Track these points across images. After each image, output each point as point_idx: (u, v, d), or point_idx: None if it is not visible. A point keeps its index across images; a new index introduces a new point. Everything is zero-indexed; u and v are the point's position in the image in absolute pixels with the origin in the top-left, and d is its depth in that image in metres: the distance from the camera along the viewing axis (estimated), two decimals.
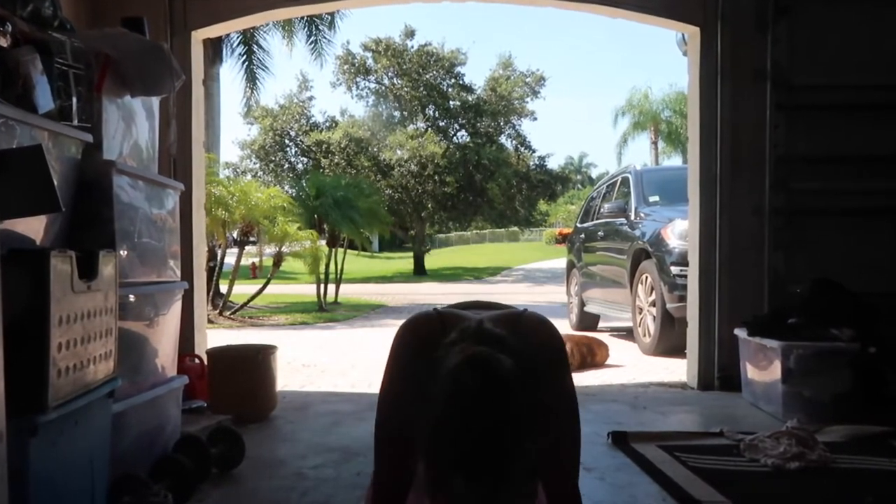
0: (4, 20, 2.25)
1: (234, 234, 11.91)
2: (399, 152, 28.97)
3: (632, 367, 5.91)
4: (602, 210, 7.98)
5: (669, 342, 6.20)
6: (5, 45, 2.23)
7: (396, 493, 1.82)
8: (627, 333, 7.73)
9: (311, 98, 33.18)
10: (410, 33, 30.23)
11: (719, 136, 4.70)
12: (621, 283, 7.21)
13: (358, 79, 30.79)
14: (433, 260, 32.30)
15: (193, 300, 4.58)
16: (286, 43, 16.94)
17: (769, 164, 4.65)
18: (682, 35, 5.40)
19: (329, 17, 16.76)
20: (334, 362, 6.29)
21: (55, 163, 2.28)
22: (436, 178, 28.58)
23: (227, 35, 14.82)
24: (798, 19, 4.66)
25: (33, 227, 2.21)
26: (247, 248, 12.31)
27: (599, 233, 8.04)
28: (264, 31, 16.28)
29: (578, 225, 9.32)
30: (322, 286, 13.07)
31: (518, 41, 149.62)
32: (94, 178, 2.53)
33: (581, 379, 5.34)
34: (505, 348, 1.59)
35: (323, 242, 12.98)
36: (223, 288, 11.88)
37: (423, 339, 1.79)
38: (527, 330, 1.81)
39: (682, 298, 5.47)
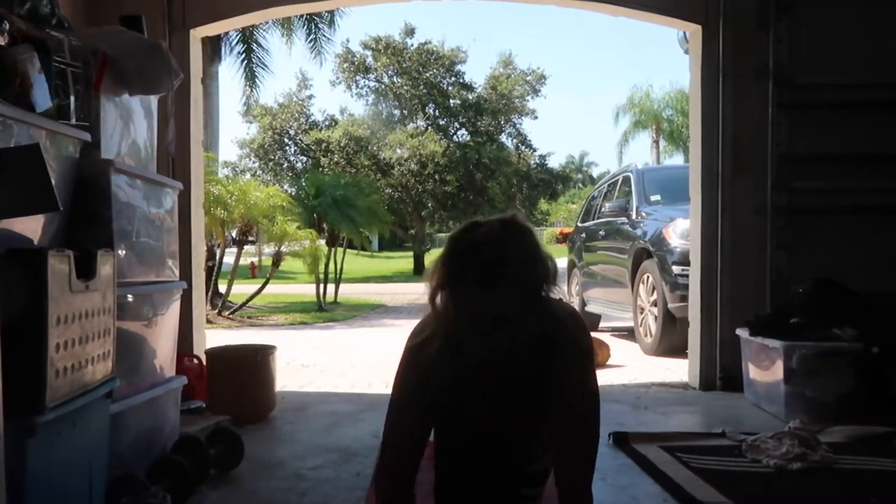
0: (2, 18, 2.26)
1: (233, 234, 11.92)
2: (399, 151, 28.96)
3: (633, 367, 5.91)
4: (603, 209, 7.98)
5: (671, 342, 6.20)
6: (3, 43, 2.23)
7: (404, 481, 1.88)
8: (629, 333, 7.73)
9: (310, 96, 33.17)
10: (410, 31, 30.21)
11: (721, 134, 4.70)
12: (622, 283, 7.21)
13: (357, 77, 30.78)
14: (433, 259, 32.21)
15: (192, 300, 4.58)
16: (285, 41, 16.93)
17: (771, 163, 4.65)
18: (684, 33, 5.40)
19: (329, 16, 16.76)
20: (334, 362, 6.29)
21: (53, 162, 2.28)
22: (436, 176, 28.57)
23: (226, 33, 14.81)
24: (800, 17, 4.66)
25: (31, 227, 2.21)
26: (246, 247, 12.31)
27: (600, 232, 8.04)
28: (263, 30, 16.26)
29: (579, 224, 9.32)
30: (321, 286, 13.07)
31: (519, 39, 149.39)
32: (92, 177, 2.53)
33: None
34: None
35: (322, 242, 12.98)
36: (222, 287, 11.88)
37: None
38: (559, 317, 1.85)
39: (684, 298, 5.46)
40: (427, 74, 30.19)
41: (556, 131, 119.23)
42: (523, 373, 1.79)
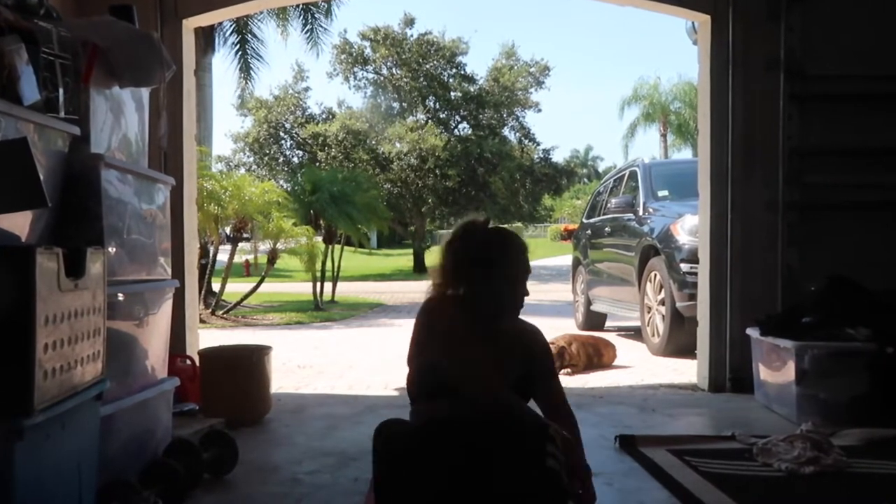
0: None
1: (227, 231, 11.91)
2: (398, 145, 28.93)
3: (640, 368, 5.91)
4: (609, 205, 7.97)
5: (679, 342, 6.19)
6: None
7: None
8: (635, 333, 7.73)
9: (307, 89, 33.15)
10: (410, 21, 30.18)
11: (731, 127, 4.70)
12: (629, 281, 7.21)
13: (355, 69, 30.75)
14: (434, 257, 32.20)
15: (185, 299, 4.58)
16: (281, 32, 16.92)
17: (782, 157, 4.65)
18: (693, 23, 5.41)
19: (325, 5, 16.74)
20: (331, 363, 6.30)
21: (41, 156, 2.28)
22: (436, 171, 28.55)
23: (220, 23, 14.80)
24: (812, 6, 4.65)
25: (18, 223, 2.21)
26: (240, 244, 12.30)
27: (606, 229, 8.04)
28: (258, 20, 16.26)
29: (584, 220, 9.32)
30: (318, 284, 13.07)
31: (522, 30, 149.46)
32: (82, 172, 2.53)
33: (587, 380, 5.34)
34: None
35: (319, 239, 12.98)
36: (216, 286, 11.88)
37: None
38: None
39: (693, 297, 5.46)
40: (427, 66, 30.15)
41: (560, 124, 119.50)
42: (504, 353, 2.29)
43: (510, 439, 2.07)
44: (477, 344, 2.25)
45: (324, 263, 13.23)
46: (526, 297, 2.32)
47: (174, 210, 3.56)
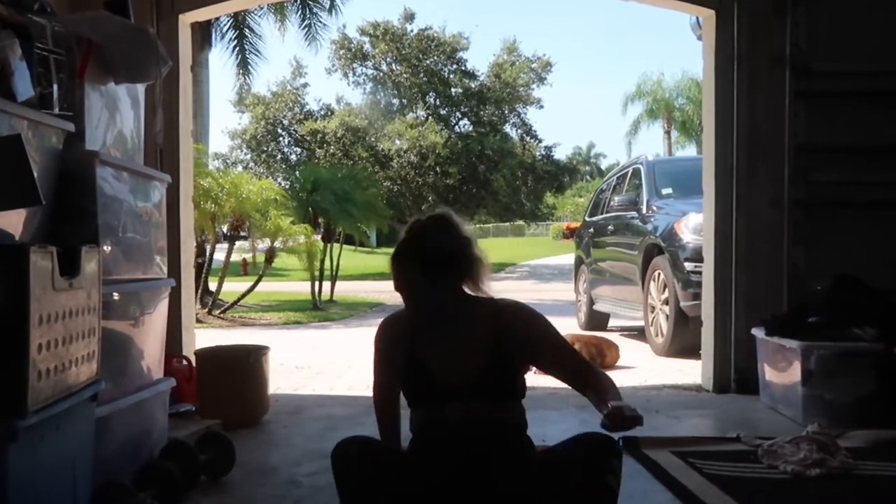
0: None
1: (224, 229, 11.91)
2: (398, 142, 28.97)
3: (644, 368, 5.90)
4: (612, 203, 7.97)
5: (683, 342, 6.19)
6: None
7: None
8: (639, 333, 7.72)
9: (305, 85, 33.17)
10: (410, 17, 30.23)
11: (736, 124, 4.69)
12: (632, 280, 7.21)
13: (355, 65, 30.81)
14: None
15: (181, 298, 4.58)
16: (278, 27, 16.91)
17: (788, 154, 4.64)
18: (697, 18, 5.40)
19: (329, 1, 16.72)
20: (330, 364, 6.30)
21: (35, 153, 2.28)
22: (437, 169, 28.58)
23: (217, 18, 14.79)
24: (818, 2, 4.64)
25: (12, 222, 2.21)
26: (237, 243, 12.30)
27: (609, 227, 8.04)
28: (256, 15, 16.25)
29: (587, 219, 9.32)
30: (317, 283, 13.07)
31: (523, 25, 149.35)
32: (77, 169, 2.53)
33: None
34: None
35: (318, 237, 12.98)
36: (212, 285, 11.87)
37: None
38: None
39: (697, 296, 5.46)
40: (427, 62, 30.19)
41: (562, 121, 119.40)
42: (478, 334, 2.17)
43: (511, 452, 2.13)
44: (450, 339, 2.18)
45: (322, 262, 13.23)
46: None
47: (170, 208, 3.56)
